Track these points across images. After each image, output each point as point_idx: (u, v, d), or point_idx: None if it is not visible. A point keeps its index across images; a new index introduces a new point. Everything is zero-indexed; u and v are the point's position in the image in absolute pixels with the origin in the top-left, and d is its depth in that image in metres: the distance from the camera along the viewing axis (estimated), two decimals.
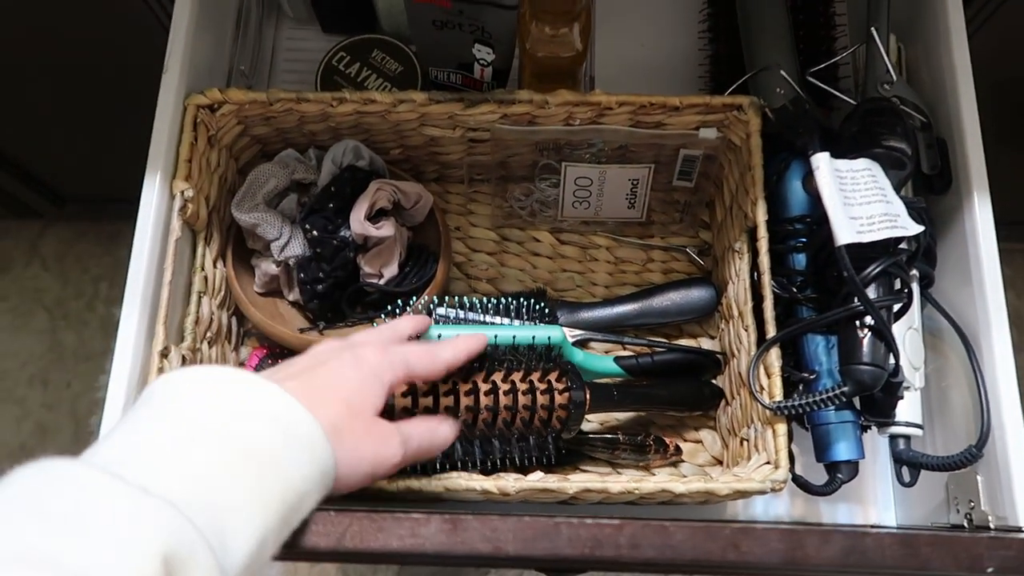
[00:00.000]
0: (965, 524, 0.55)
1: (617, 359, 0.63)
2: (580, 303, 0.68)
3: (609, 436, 0.63)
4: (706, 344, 0.68)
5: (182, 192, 0.57)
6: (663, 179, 0.66)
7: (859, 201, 0.51)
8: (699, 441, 0.66)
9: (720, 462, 0.65)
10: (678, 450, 0.65)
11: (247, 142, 0.65)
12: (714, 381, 0.66)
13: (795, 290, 0.58)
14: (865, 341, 0.50)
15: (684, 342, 0.69)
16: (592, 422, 0.66)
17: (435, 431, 0.47)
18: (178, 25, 0.60)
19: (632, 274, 0.71)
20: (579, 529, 0.36)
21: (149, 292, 0.55)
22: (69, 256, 1.33)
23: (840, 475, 0.55)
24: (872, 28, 0.58)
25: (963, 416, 0.57)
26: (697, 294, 0.66)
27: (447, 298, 0.58)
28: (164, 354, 0.55)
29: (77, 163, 1.12)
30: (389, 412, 0.49)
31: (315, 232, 0.59)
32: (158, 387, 0.36)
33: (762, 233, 0.56)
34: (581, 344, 0.66)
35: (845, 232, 0.49)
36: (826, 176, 0.50)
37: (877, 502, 0.66)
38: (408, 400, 0.50)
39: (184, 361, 0.57)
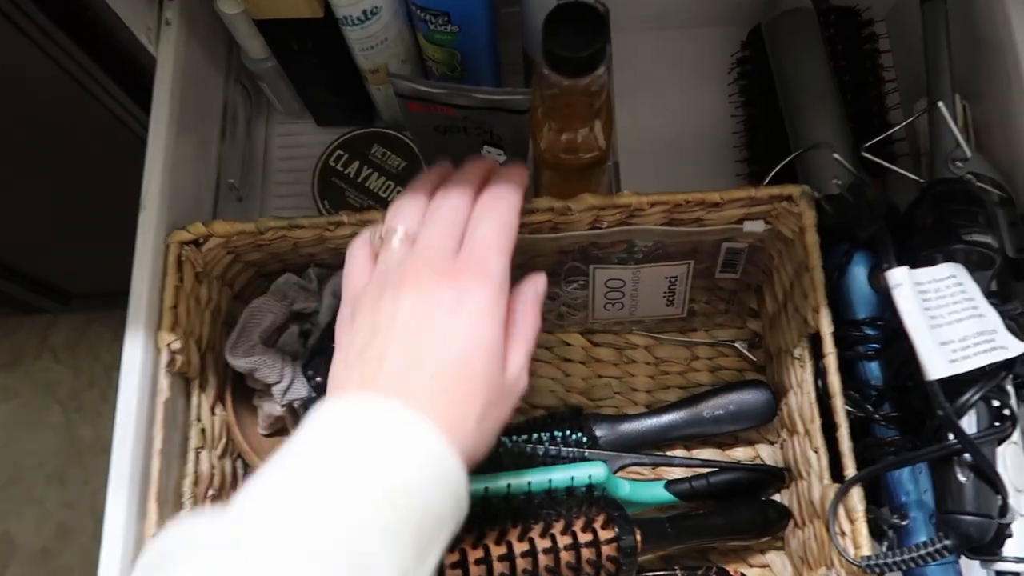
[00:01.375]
0: None
1: (668, 485, 0.56)
2: (620, 416, 0.60)
3: (665, 572, 0.56)
4: (765, 452, 0.61)
5: (168, 345, 0.51)
6: (704, 268, 0.59)
7: (948, 320, 0.43)
8: (767, 566, 0.59)
9: None
10: None
11: (240, 268, 0.59)
12: (778, 497, 0.59)
13: (870, 407, 0.50)
14: (967, 486, 0.43)
15: (740, 451, 0.61)
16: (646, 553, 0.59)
17: (536, 321, 0.39)
18: (153, 156, 0.54)
19: (676, 375, 0.63)
20: None
21: (138, 469, 0.49)
22: (80, 345, 1.29)
23: None
24: (939, 103, 0.51)
25: None
26: (753, 399, 0.59)
27: None
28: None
29: (81, 264, 1.08)
30: None
31: (319, 379, 0.52)
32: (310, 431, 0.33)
33: (829, 348, 0.49)
34: (624, 468, 0.59)
35: (936, 364, 0.41)
36: (907, 296, 0.42)
37: None
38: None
39: None
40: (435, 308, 0.35)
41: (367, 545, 0.28)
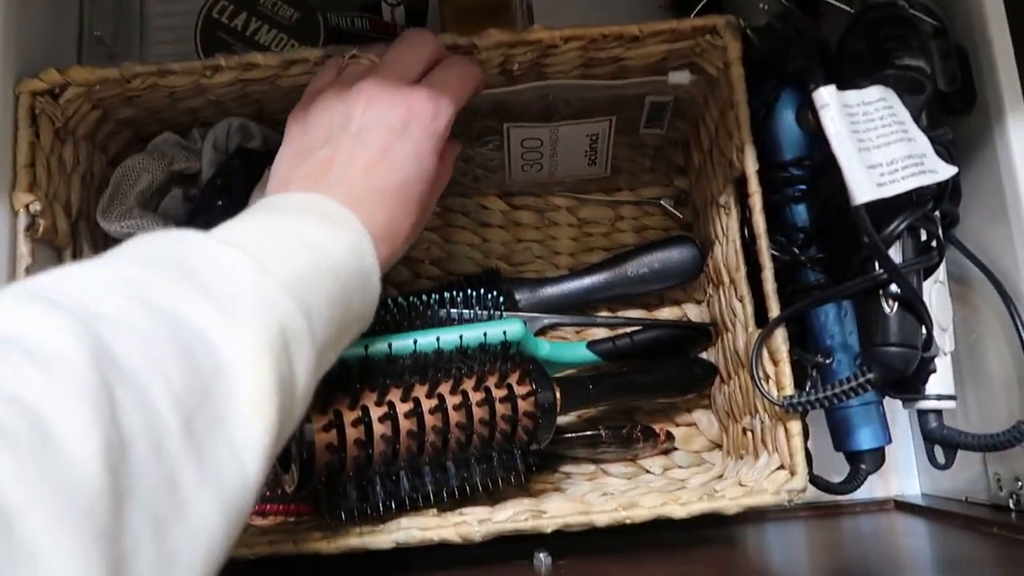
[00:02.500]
0: (1011, 505, 0.47)
1: (590, 344, 0.54)
2: (542, 279, 0.57)
3: (589, 433, 0.54)
4: (692, 312, 0.59)
5: (26, 207, 0.45)
6: (627, 124, 0.55)
7: (876, 143, 0.40)
8: (693, 424, 0.57)
9: (719, 446, 0.57)
10: (670, 437, 0.56)
11: (112, 128, 0.52)
12: (705, 355, 0.57)
13: (796, 251, 0.48)
14: (892, 317, 0.41)
15: (667, 312, 0.59)
16: (569, 416, 0.57)
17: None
18: None
19: (600, 236, 0.60)
20: None
21: None
22: None
23: (865, 466, 0.47)
24: None
25: (1002, 376, 0.49)
26: (678, 255, 0.56)
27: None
28: None
29: None
30: (308, 451, 0.39)
31: None
32: (272, 199, 0.38)
33: (754, 187, 0.46)
34: (545, 332, 0.56)
35: (864, 188, 0.38)
36: (835, 116, 0.39)
37: (899, 469, 0.58)
38: (333, 434, 0.40)
39: None
40: (386, 126, 0.39)
41: (314, 308, 0.32)
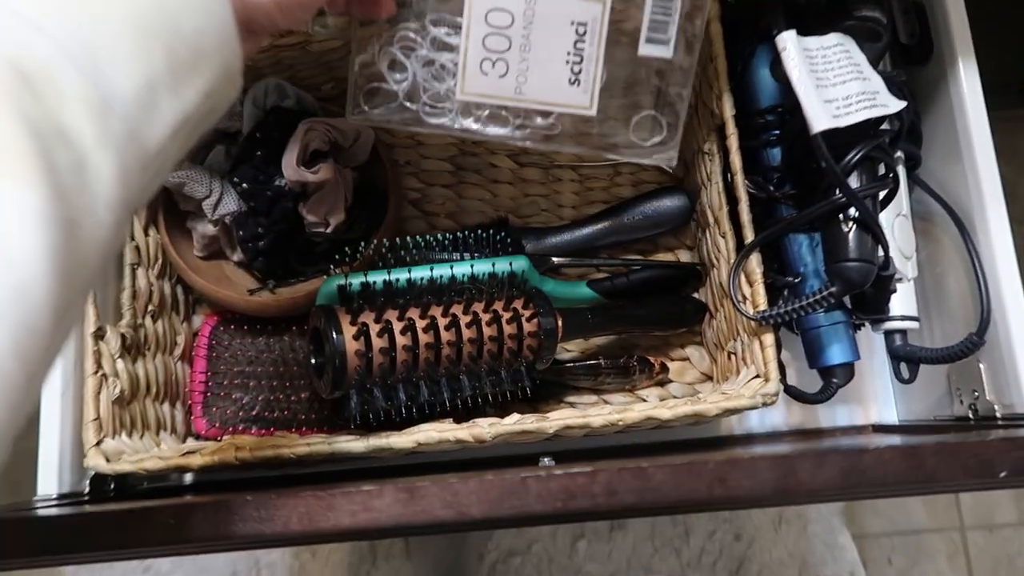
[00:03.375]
0: (970, 415, 0.52)
1: (590, 282, 0.59)
2: (547, 228, 0.63)
3: (590, 363, 0.60)
4: (684, 256, 0.64)
5: None
6: (624, 34, 0.44)
7: (833, 81, 0.46)
8: (686, 359, 0.63)
9: (710, 377, 0.62)
10: (664, 369, 0.61)
11: None
12: (696, 295, 0.63)
13: (772, 188, 0.53)
14: (850, 236, 0.46)
15: (661, 256, 0.64)
16: (572, 350, 0.63)
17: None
18: None
19: (600, 191, 0.66)
20: (549, 482, 0.33)
21: None
22: None
23: (835, 380, 0.52)
24: None
25: (961, 302, 0.54)
26: (669, 203, 0.62)
27: (399, 240, 0.53)
28: (99, 335, 0.51)
29: None
30: (340, 358, 0.45)
31: (245, 184, 0.54)
32: None
33: (731, 130, 0.52)
34: (551, 272, 0.62)
35: (820, 118, 0.44)
36: (794, 57, 0.45)
37: (877, 399, 0.63)
38: (361, 342, 0.46)
39: (124, 341, 0.53)
40: None
41: (95, 34, 0.26)
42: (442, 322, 0.48)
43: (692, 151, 0.61)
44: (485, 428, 0.48)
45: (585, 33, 0.44)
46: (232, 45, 0.31)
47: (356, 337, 0.46)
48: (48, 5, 0.25)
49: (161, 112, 0.28)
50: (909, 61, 0.55)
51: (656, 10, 0.45)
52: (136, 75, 0.27)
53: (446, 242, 0.55)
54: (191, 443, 0.57)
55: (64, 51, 0.25)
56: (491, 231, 0.57)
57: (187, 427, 0.59)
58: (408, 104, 0.48)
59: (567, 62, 0.45)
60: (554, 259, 0.60)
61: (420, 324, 0.47)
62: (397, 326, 0.47)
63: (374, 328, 0.46)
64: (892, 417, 0.63)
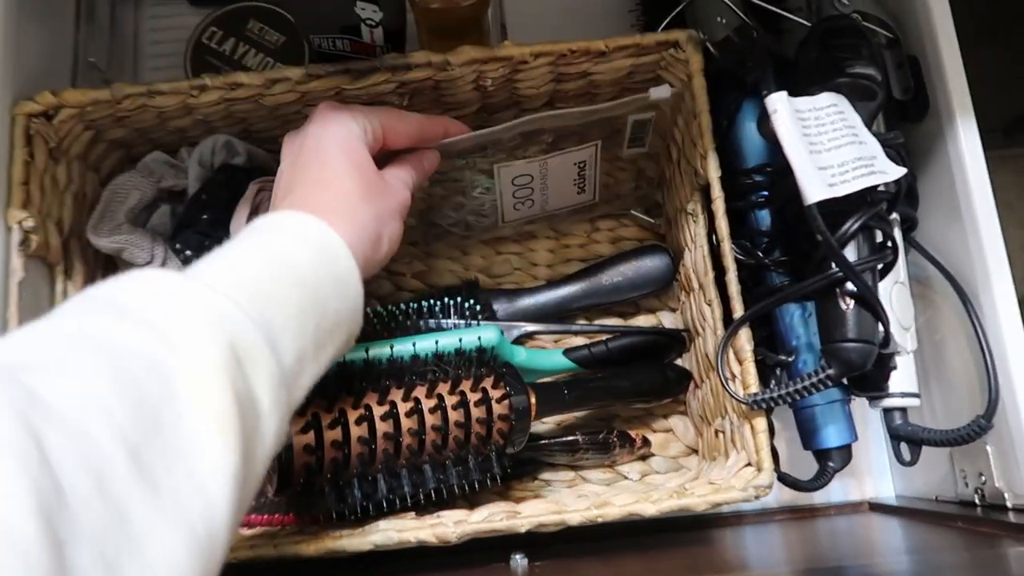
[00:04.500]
0: (976, 500, 0.48)
1: (567, 352, 0.55)
2: (519, 289, 0.59)
3: (567, 439, 0.55)
4: (667, 319, 0.60)
5: (20, 223, 0.47)
6: (611, 146, 0.56)
7: (827, 146, 0.42)
8: (669, 430, 0.59)
9: (695, 450, 0.58)
10: (646, 442, 0.57)
11: (104, 149, 0.54)
12: (679, 361, 0.59)
13: (761, 254, 0.50)
14: (849, 314, 0.42)
15: (642, 320, 0.60)
16: (547, 423, 0.58)
17: (424, 159, 0.46)
18: None
19: (577, 248, 0.62)
20: None
21: None
22: None
23: (832, 463, 0.48)
24: None
25: (964, 374, 0.50)
26: (651, 264, 0.58)
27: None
28: None
29: None
30: (287, 453, 0.41)
31: (189, 252, 0.49)
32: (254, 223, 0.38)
33: (716, 192, 0.48)
34: (523, 341, 0.57)
35: (814, 187, 0.40)
36: (785, 120, 0.41)
37: (872, 472, 0.59)
38: (310, 435, 0.42)
39: None
40: (304, 142, 0.41)
41: (275, 320, 0.32)
42: (403, 408, 0.43)
43: (675, 208, 0.57)
44: (450, 527, 0.43)
45: (585, 164, 0.56)
46: (359, 317, 0.38)
47: (304, 430, 0.41)
48: (250, 292, 0.32)
49: (305, 377, 0.34)
50: (903, 117, 0.52)
51: (634, 131, 0.55)
52: (295, 350, 0.33)
53: (410, 311, 0.51)
54: None
55: (263, 333, 0.30)
56: (460, 297, 0.53)
57: None
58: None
59: (575, 183, 0.57)
60: (527, 327, 0.56)
61: (378, 412, 0.43)
62: (352, 415, 0.42)
63: (326, 419, 0.42)
64: (889, 492, 0.59)
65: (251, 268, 0.33)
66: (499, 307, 0.57)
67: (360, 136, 0.41)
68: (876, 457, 0.59)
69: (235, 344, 0.29)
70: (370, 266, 0.40)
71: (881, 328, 0.43)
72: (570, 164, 0.55)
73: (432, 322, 0.51)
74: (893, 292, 0.48)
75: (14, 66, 0.50)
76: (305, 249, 0.35)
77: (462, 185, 0.56)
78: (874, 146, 0.43)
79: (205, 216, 0.49)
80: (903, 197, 0.47)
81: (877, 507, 0.57)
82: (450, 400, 0.45)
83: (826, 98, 0.44)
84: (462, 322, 0.52)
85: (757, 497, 0.44)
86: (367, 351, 0.45)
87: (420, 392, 0.45)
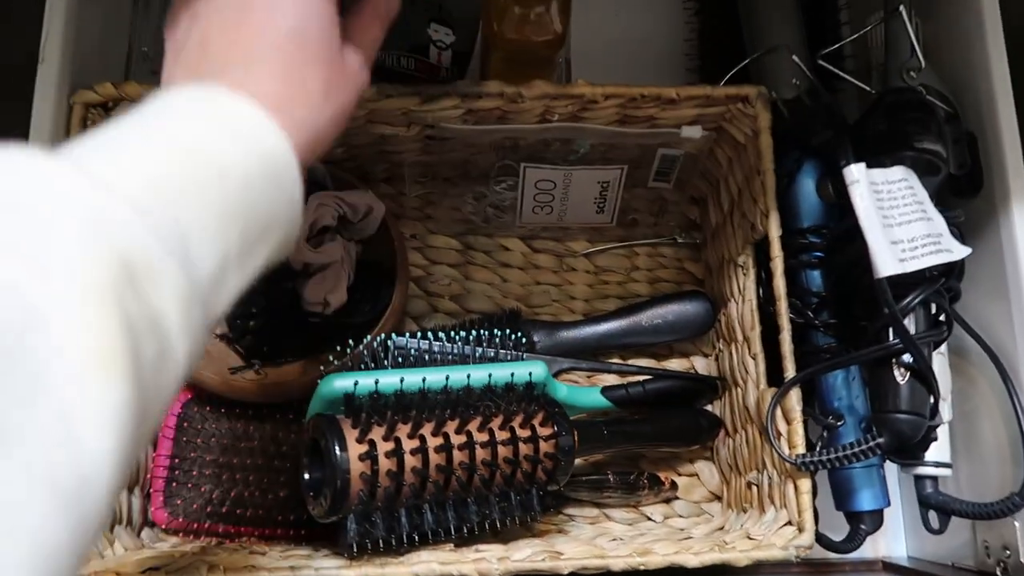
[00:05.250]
0: (998, 573, 0.49)
1: (605, 391, 0.55)
2: (559, 323, 0.59)
3: (597, 477, 0.55)
4: (700, 364, 0.61)
5: None
6: (638, 176, 0.57)
7: (899, 220, 0.43)
8: (695, 474, 0.59)
9: (718, 497, 0.58)
10: (674, 486, 0.57)
11: None
12: (710, 407, 0.59)
13: (811, 314, 0.50)
14: (903, 386, 0.43)
15: (676, 363, 0.61)
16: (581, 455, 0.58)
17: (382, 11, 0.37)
18: (54, 8, 0.47)
19: (615, 285, 0.62)
20: None
21: None
22: None
23: (864, 526, 0.49)
24: (900, 7, 0.50)
25: (995, 446, 0.51)
26: (692, 310, 0.58)
27: (406, 336, 0.49)
28: None
29: None
30: (343, 479, 0.40)
31: None
32: (147, 102, 0.29)
33: (776, 251, 0.48)
34: (559, 374, 0.57)
35: (887, 262, 0.41)
36: (864, 193, 0.42)
37: (886, 530, 0.60)
38: (367, 464, 0.41)
39: None
40: None
41: (184, 222, 0.26)
42: (456, 441, 0.43)
43: (720, 257, 0.58)
44: (493, 563, 0.43)
45: (609, 185, 0.56)
46: (296, 216, 0.31)
47: (363, 458, 0.41)
48: (156, 193, 0.26)
49: (227, 286, 0.28)
50: (956, 192, 0.52)
51: (661, 165, 0.56)
52: (214, 256, 0.27)
53: (456, 336, 0.51)
54: (149, 540, 0.51)
55: (166, 245, 0.25)
56: (505, 327, 0.53)
57: (144, 517, 0.53)
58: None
59: (595, 201, 0.57)
60: (569, 362, 0.56)
61: (432, 443, 0.42)
62: (408, 445, 0.42)
63: (383, 448, 0.41)
64: (901, 551, 0.60)
65: (160, 157, 0.27)
66: (538, 338, 0.57)
67: (332, 13, 0.33)
68: (892, 515, 0.60)
69: (127, 257, 0.24)
70: (315, 133, 0.32)
71: (932, 400, 0.44)
72: (594, 181, 0.56)
73: (479, 351, 0.51)
74: (935, 363, 0.49)
75: (73, 54, 0.48)
76: (225, 133, 0.28)
77: (489, 177, 0.56)
78: (940, 223, 0.44)
79: None
80: (956, 272, 0.48)
81: (891, 567, 0.58)
82: (500, 435, 0.45)
83: (898, 171, 0.45)
84: (505, 352, 0.52)
85: (798, 557, 0.44)
86: (424, 379, 0.44)
87: (473, 425, 0.44)
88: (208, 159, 0.27)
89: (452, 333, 0.51)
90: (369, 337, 0.49)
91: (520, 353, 0.52)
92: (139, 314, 0.23)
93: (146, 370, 0.23)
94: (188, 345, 0.26)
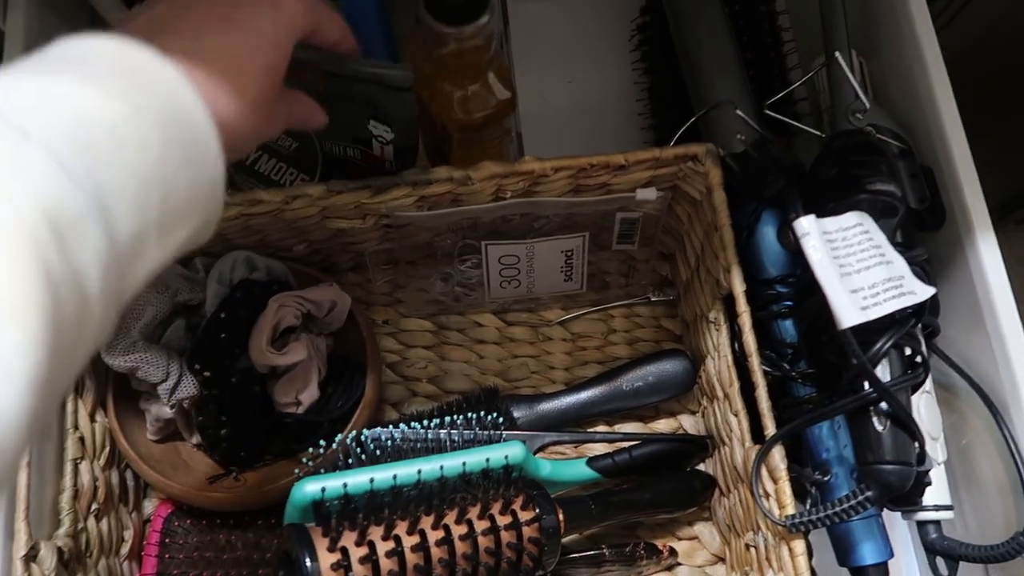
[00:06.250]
0: None
1: (590, 462, 0.54)
2: (539, 395, 0.58)
3: (592, 552, 0.54)
4: (687, 423, 0.60)
5: None
6: (602, 240, 0.57)
7: (856, 267, 0.42)
8: (695, 537, 0.57)
9: (722, 559, 0.56)
10: (673, 553, 0.56)
11: None
12: (702, 466, 0.58)
13: (787, 366, 0.49)
14: (884, 435, 0.42)
15: (663, 423, 0.60)
16: (571, 535, 0.57)
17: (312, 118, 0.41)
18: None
19: (593, 350, 0.61)
20: None
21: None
22: None
23: None
24: (836, 53, 0.50)
25: (994, 481, 0.50)
26: (671, 368, 0.57)
27: (378, 431, 0.48)
28: (31, 557, 0.44)
29: None
30: None
31: (207, 373, 0.48)
32: (57, 47, 0.28)
33: (742, 306, 0.48)
34: (544, 448, 0.56)
35: (848, 312, 0.40)
36: (816, 245, 0.41)
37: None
38: (340, 574, 0.40)
39: (62, 555, 0.45)
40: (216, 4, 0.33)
41: (108, 185, 0.25)
42: (432, 537, 0.42)
43: (693, 313, 0.57)
44: None
45: (573, 253, 0.56)
46: (218, 195, 0.30)
47: (335, 567, 0.39)
48: (82, 150, 0.24)
49: (145, 260, 0.27)
50: (919, 227, 0.52)
51: (622, 228, 0.56)
52: (134, 226, 0.26)
53: (431, 422, 0.50)
54: None
55: (91, 202, 0.24)
56: (481, 407, 0.52)
57: None
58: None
59: (562, 270, 0.57)
60: (550, 436, 0.55)
61: (408, 543, 0.41)
62: (382, 548, 0.41)
63: (355, 554, 0.40)
64: None
65: (83, 112, 0.25)
66: (519, 413, 0.57)
67: (295, 27, 0.35)
68: (904, 560, 0.58)
69: (52, 211, 0.23)
70: (245, 123, 0.32)
71: (917, 446, 0.43)
72: (557, 251, 0.56)
73: (455, 435, 0.50)
74: (921, 403, 0.48)
75: None
76: (159, 107, 0.27)
77: (452, 258, 0.56)
78: (901, 265, 0.43)
79: (224, 335, 0.48)
80: (927, 310, 0.47)
81: None
82: (480, 525, 0.44)
83: (852, 217, 0.44)
84: (485, 433, 0.51)
85: None
86: (395, 476, 0.43)
87: (450, 518, 0.43)
88: (132, 124, 0.26)
89: (429, 420, 0.50)
90: (341, 435, 0.48)
91: (500, 432, 0.52)
92: (62, 273, 0.23)
93: (65, 329, 0.22)
94: (104, 309, 0.25)
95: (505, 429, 0.53)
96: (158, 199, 0.27)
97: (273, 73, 0.34)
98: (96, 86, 0.26)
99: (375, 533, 0.41)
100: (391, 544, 0.41)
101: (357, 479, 0.42)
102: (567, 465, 0.54)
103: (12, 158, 0.23)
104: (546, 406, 0.57)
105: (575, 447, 0.58)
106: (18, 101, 0.24)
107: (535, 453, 0.55)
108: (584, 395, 0.57)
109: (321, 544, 0.40)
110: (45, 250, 0.22)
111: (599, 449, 0.57)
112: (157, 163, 0.26)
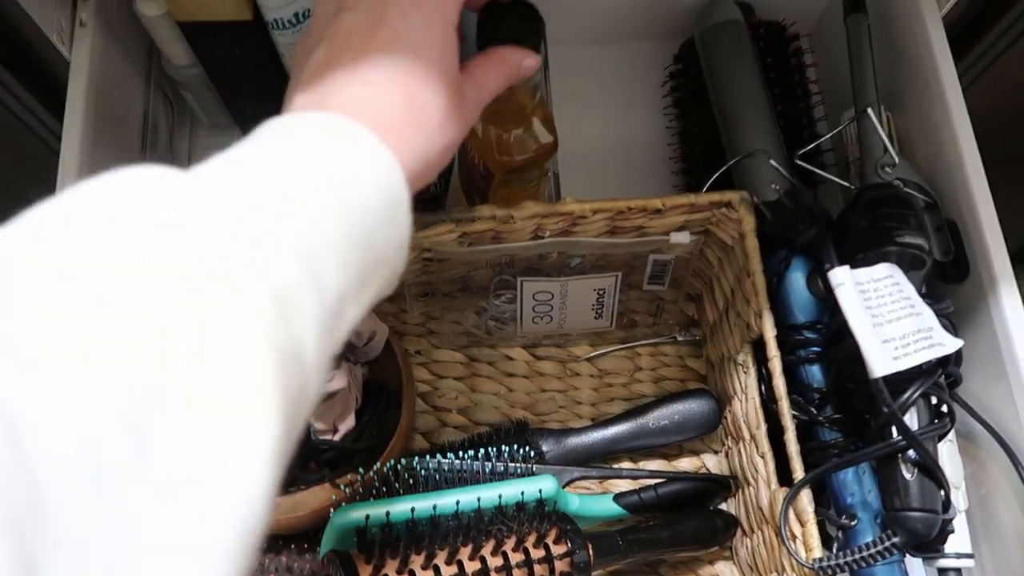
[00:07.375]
0: None
1: (617, 498, 0.55)
2: (567, 430, 0.59)
3: None
4: (711, 462, 0.61)
5: None
6: (633, 280, 0.59)
7: (888, 318, 0.44)
8: None
9: None
10: None
11: None
12: (724, 505, 0.59)
13: (814, 411, 0.51)
14: (912, 483, 0.43)
15: (686, 462, 0.61)
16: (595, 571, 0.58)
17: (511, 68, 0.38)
18: (67, 168, 0.50)
19: (619, 387, 0.63)
20: None
21: None
22: None
23: None
24: (868, 109, 0.52)
25: (1014, 530, 0.51)
26: (697, 408, 0.59)
27: (415, 459, 0.49)
28: None
29: None
30: None
31: None
32: (270, 125, 0.29)
33: (772, 351, 0.49)
34: (571, 482, 0.57)
35: (880, 362, 0.42)
36: (851, 296, 0.43)
37: None
38: None
39: None
40: (385, 10, 0.32)
41: (316, 251, 0.25)
42: (470, 568, 0.43)
43: (720, 354, 0.59)
44: None
45: (605, 292, 0.58)
46: (404, 250, 0.31)
47: None
48: (293, 220, 0.25)
49: (345, 320, 0.27)
50: (943, 279, 0.54)
51: (654, 269, 0.57)
52: (338, 288, 0.26)
53: (465, 456, 0.51)
54: None
55: (308, 274, 0.24)
56: (512, 440, 0.53)
57: None
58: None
59: (593, 308, 0.59)
60: (579, 471, 0.56)
61: (446, 572, 0.42)
62: (422, 574, 0.42)
63: None
64: None
65: (291, 183, 0.26)
66: (547, 447, 0.58)
67: (455, 43, 0.33)
68: None
69: (280, 289, 0.23)
70: (428, 161, 0.32)
71: (943, 494, 0.44)
72: (590, 289, 0.58)
73: (487, 467, 0.51)
74: (944, 451, 0.49)
75: None
76: (357, 173, 0.28)
77: (488, 292, 0.58)
78: (930, 316, 0.45)
79: None
80: (953, 360, 0.49)
81: None
82: (515, 558, 0.45)
83: (883, 269, 0.46)
84: (516, 466, 0.52)
85: None
86: (435, 507, 0.45)
87: (486, 550, 0.44)
88: (331, 186, 0.27)
89: (461, 451, 0.52)
90: (379, 463, 0.50)
91: (530, 466, 0.53)
92: (288, 349, 0.23)
93: (292, 403, 0.23)
94: (319, 377, 0.25)
95: (535, 462, 0.54)
96: (358, 259, 0.27)
97: (447, 75, 0.33)
98: (298, 159, 0.27)
99: (416, 562, 0.42)
100: (431, 574, 0.42)
101: (399, 507, 0.44)
102: (593, 500, 0.55)
103: (247, 240, 0.23)
104: (574, 440, 0.59)
105: (600, 483, 0.59)
106: (243, 177, 0.25)
107: (563, 487, 0.56)
108: (611, 431, 0.59)
109: (364, 571, 0.41)
110: (278, 332, 0.22)
111: (623, 485, 0.58)
112: (356, 227, 0.27)
